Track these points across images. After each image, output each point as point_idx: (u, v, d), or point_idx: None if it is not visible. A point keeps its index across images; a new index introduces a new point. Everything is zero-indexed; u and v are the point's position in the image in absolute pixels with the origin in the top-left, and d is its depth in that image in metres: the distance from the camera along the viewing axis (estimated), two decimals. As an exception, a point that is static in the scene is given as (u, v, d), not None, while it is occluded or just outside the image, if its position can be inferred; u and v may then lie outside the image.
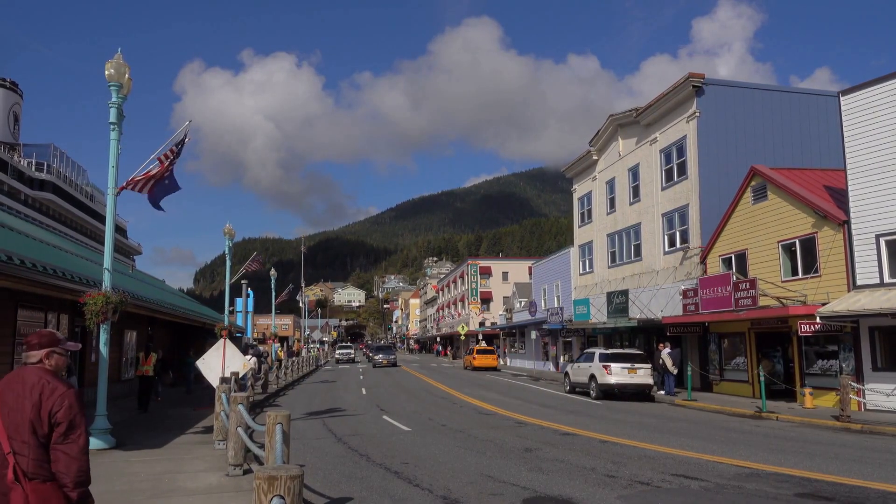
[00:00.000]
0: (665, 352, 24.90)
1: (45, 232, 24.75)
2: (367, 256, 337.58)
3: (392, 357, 51.71)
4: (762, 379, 19.41)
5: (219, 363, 16.41)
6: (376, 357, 51.12)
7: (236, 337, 34.89)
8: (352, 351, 67.64)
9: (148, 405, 18.57)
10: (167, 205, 13.91)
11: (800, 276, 21.28)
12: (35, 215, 67.97)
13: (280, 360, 36.24)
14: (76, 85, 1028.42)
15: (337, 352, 67.00)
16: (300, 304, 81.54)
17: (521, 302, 54.47)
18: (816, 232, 20.63)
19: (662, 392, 24.60)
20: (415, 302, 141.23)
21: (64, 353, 4.07)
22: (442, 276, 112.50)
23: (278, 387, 28.51)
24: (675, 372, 24.80)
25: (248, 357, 26.61)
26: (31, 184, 75.96)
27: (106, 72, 12.37)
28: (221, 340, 17.18)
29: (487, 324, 70.13)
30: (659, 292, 29.38)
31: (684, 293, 25.89)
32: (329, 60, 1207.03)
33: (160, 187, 13.36)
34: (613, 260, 35.21)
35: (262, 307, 68.07)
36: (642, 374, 23.36)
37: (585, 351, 27.99)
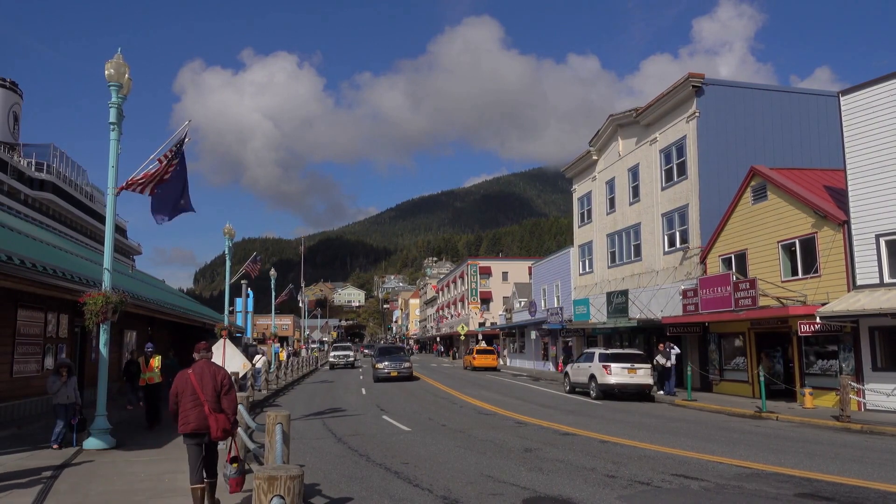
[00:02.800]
0: (670, 353, 24.92)
1: (44, 232, 24.76)
2: (367, 256, 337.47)
3: (405, 365, 33.97)
4: (762, 379, 19.40)
5: (218, 363, 16.39)
6: (380, 365, 33.72)
7: (236, 337, 34.90)
8: (350, 353, 52.83)
9: (158, 419, 15.10)
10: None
11: (800, 276, 21.28)
12: (35, 215, 67.98)
13: (281, 362, 36.35)
14: (76, 85, 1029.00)
15: (331, 354, 53.29)
16: (300, 304, 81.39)
17: (520, 302, 54.49)
18: (816, 232, 20.63)
19: (662, 392, 24.62)
20: (414, 302, 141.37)
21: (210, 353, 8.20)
22: (442, 277, 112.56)
23: (278, 387, 28.52)
24: (675, 360, 25.01)
25: (259, 356, 26.65)
26: (31, 184, 75.97)
27: (106, 72, 12.38)
28: (221, 340, 17.19)
29: (487, 324, 70.15)
30: (659, 292, 29.39)
31: (684, 293, 25.89)
32: (329, 61, 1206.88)
33: (172, 204, 13.28)
34: (613, 260, 35.22)
35: (262, 307, 67.73)
36: (642, 374, 23.36)
37: (585, 351, 27.99)
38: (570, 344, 40.52)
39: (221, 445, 8.52)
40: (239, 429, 9.43)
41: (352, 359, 51.84)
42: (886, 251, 18.35)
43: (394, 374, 33.21)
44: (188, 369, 7.67)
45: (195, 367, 7.68)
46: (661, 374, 24.93)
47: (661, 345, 25.70)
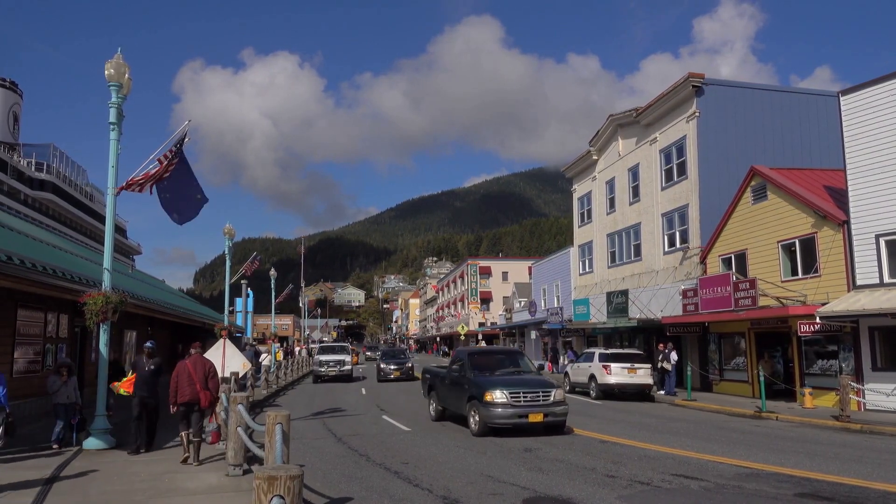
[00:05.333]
0: (669, 354, 24.86)
1: (44, 232, 24.78)
2: (367, 256, 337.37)
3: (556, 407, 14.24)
4: (762, 379, 19.40)
5: (218, 363, 16.40)
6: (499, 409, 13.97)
7: (236, 337, 34.90)
8: (345, 357, 34.64)
9: (153, 440, 12.05)
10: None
11: (799, 276, 21.27)
12: (35, 215, 67.96)
13: (279, 362, 36.31)
14: (76, 85, 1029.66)
15: (317, 357, 34.92)
16: (300, 304, 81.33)
17: (520, 302, 54.47)
18: (816, 232, 20.62)
19: (662, 392, 24.60)
20: (414, 302, 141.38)
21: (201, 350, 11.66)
22: (442, 276, 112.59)
23: (278, 386, 28.51)
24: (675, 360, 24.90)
25: (265, 355, 26.63)
26: (31, 184, 75.94)
27: (106, 72, 12.37)
28: (221, 340, 17.20)
29: (487, 324, 70.14)
30: (659, 292, 29.37)
31: (684, 293, 25.88)
32: (329, 61, 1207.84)
33: (190, 203, 13.37)
34: (613, 260, 35.20)
35: (261, 307, 67.58)
36: (642, 374, 23.35)
37: (585, 351, 27.97)
38: (559, 344, 40.67)
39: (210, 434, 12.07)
40: (239, 428, 9.48)
41: (348, 367, 34.04)
42: (886, 251, 18.34)
43: (509, 423, 14.01)
44: (185, 360, 11.03)
45: (190, 359, 11.08)
46: (661, 374, 24.92)
47: (662, 345, 25.69)
